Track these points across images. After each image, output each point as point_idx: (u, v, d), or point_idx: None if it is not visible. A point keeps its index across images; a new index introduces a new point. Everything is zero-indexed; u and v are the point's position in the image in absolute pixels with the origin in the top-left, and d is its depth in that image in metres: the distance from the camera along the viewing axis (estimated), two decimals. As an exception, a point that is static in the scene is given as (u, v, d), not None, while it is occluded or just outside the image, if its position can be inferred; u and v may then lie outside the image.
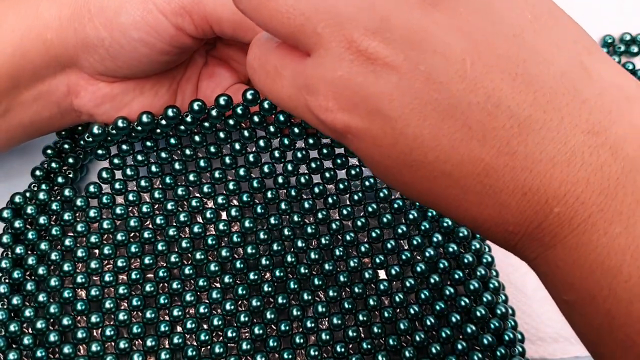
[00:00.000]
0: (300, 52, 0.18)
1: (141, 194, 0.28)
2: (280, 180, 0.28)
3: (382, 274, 0.28)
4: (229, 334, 0.26)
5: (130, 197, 0.28)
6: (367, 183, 0.28)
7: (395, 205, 0.28)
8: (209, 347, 0.26)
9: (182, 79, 0.28)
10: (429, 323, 0.26)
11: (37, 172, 0.28)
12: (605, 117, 0.16)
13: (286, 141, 0.27)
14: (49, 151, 0.29)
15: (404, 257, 0.27)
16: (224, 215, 0.28)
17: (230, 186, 0.28)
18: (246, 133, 0.27)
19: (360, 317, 0.26)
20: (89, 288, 0.26)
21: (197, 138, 0.27)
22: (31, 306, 0.26)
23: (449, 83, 0.16)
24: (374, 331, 0.26)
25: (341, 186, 0.28)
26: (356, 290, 0.27)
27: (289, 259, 0.27)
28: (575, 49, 0.17)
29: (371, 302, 0.27)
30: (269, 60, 0.18)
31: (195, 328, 0.26)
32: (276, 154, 0.27)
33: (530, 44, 0.16)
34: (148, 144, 0.28)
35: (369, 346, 0.26)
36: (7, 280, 0.26)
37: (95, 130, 0.26)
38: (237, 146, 0.28)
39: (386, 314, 0.26)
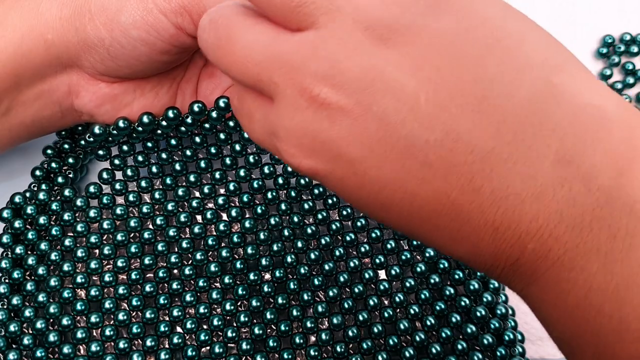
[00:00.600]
0: (267, 97, 0.17)
1: (141, 194, 0.28)
2: (280, 181, 0.28)
3: (382, 274, 0.28)
4: (229, 334, 0.26)
5: (131, 198, 0.28)
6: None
7: (395, 206, 0.28)
8: (208, 347, 0.26)
9: (183, 80, 0.28)
10: (429, 323, 0.26)
11: (37, 172, 0.28)
12: (577, 144, 0.15)
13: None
14: (49, 151, 0.29)
15: (403, 257, 0.27)
16: (224, 215, 0.28)
17: (231, 187, 0.28)
18: (246, 134, 0.27)
19: (361, 317, 0.26)
20: (89, 288, 0.26)
21: (197, 139, 0.27)
22: (31, 306, 0.26)
23: (403, 122, 0.15)
24: (374, 331, 0.26)
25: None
26: (356, 290, 0.27)
27: (289, 259, 0.27)
28: (543, 70, 0.16)
29: (371, 302, 0.27)
30: (245, 101, 0.18)
31: (195, 328, 0.26)
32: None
33: (491, 72, 0.15)
34: (149, 144, 0.28)
35: (369, 346, 0.26)
36: (7, 280, 0.26)
37: (97, 130, 0.26)
38: (237, 147, 0.28)
39: (386, 314, 0.26)
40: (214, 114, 0.26)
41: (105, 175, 0.28)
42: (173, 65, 0.26)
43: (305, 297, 0.27)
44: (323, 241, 0.27)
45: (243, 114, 0.19)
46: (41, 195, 0.27)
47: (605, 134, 0.15)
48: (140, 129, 0.26)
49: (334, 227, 0.28)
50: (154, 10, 0.23)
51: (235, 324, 0.26)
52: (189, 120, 0.26)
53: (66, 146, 0.29)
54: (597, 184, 0.15)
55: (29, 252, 0.27)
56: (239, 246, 0.27)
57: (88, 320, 0.26)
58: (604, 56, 0.35)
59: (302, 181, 0.28)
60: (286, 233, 0.27)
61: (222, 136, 0.27)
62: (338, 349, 0.26)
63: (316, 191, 0.28)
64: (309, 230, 0.27)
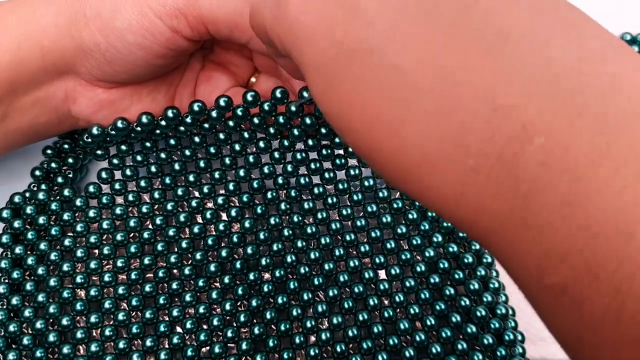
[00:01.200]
0: None
1: (141, 194, 0.28)
2: (280, 181, 0.28)
3: (382, 274, 0.28)
4: (229, 334, 0.26)
5: (130, 198, 0.28)
6: (366, 183, 0.28)
7: (395, 206, 0.28)
8: (208, 347, 0.26)
9: (180, 84, 0.28)
10: (429, 323, 0.26)
11: (37, 172, 0.28)
12: None
13: (286, 143, 0.27)
14: (48, 151, 0.29)
15: (403, 257, 0.27)
16: (224, 215, 0.28)
17: (230, 187, 0.28)
18: (246, 134, 0.27)
19: (361, 317, 0.26)
20: (89, 288, 0.26)
21: (196, 139, 0.27)
22: (30, 306, 0.26)
23: None
24: (374, 331, 0.26)
25: (341, 187, 0.28)
26: (356, 290, 0.27)
27: (289, 259, 0.27)
28: None
29: (371, 302, 0.26)
30: None
31: (194, 328, 0.26)
32: (276, 155, 0.27)
33: None
34: (147, 144, 0.28)
35: (369, 346, 0.26)
36: (6, 281, 0.26)
37: (95, 131, 0.26)
38: (237, 147, 0.28)
39: (386, 314, 0.26)
40: (214, 114, 0.26)
41: (104, 175, 0.28)
42: (169, 69, 0.26)
43: (305, 297, 0.27)
44: (323, 241, 0.27)
45: None
46: (41, 195, 0.27)
47: None
48: (139, 129, 0.26)
49: (334, 227, 0.28)
50: (149, 14, 0.23)
51: (235, 324, 0.26)
52: (188, 120, 0.26)
53: (66, 146, 0.29)
54: None
55: (29, 252, 0.27)
56: (239, 246, 0.27)
57: (88, 321, 0.26)
58: (604, 56, 0.35)
59: (302, 181, 0.28)
60: (286, 233, 0.27)
61: (221, 136, 0.27)
62: (338, 349, 0.26)
63: (316, 191, 0.28)
64: (309, 230, 0.27)
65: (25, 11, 0.24)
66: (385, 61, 0.14)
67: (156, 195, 0.28)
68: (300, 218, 0.28)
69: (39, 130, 0.26)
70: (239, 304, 0.27)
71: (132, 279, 0.26)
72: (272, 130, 0.27)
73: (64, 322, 0.25)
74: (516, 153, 0.13)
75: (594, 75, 0.13)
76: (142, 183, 0.28)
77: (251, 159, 0.27)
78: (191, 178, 0.28)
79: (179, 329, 0.26)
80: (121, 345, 0.25)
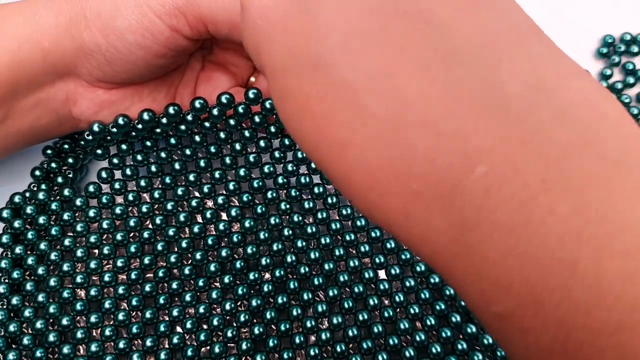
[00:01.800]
0: None
1: (141, 194, 0.28)
2: (280, 180, 0.28)
3: (382, 274, 0.28)
4: (229, 334, 0.26)
5: (130, 197, 0.27)
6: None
7: (396, 205, 0.28)
8: (208, 347, 0.26)
9: (180, 85, 0.28)
10: (429, 323, 0.26)
11: (37, 172, 0.28)
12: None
13: (287, 142, 0.27)
14: (48, 151, 0.29)
15: (403, 257, 0.27)
16: (224, 215, 0.28)
17: (231, 186, 0.28)
18: (247, 133, 0.27)
19: (361, 317, 0.26)
20: (89, 288, 0.26)
21: (197, 138, 0.27)
22: (31, 306, 0.26)
23: None
24: (374, 331, 0.26)
25: (341, 186, 0.28)
26: (356, 290, 0.27)
27: (289, 259, 0.27)
28: None
29: (371, 302, 0.26)
30: None
31: (194, 328, 0.26)
32: (276, 154, 0.27)
33: None
34: (148, 143, 0.28)
35: (370, 346, 0.26)
36: (6, 280, 0.26)
37: (96, 128, 0.26)
38: (237, 146, 0.28)
39: (386, 314, 0.26)
40: (215, 111, 0.26)
41: (104, 175, 0.28)
42: (170, 68, 0.26)
43: (306, 296, 0.27)
44: (323, 241, 0.27)
45: None
46: (41, 195, 0.27)
47: None
48: (140, 126, 0.26)
49: (334, 226, 0.28)
50: (149, 13, 0.23)
51: (235, 324, 0.26)
52: (189, 117, 0.26)
53: (66, 146, 0.29)
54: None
55: (29, 252, 0.27)
56: (239, 246, 0.27)
57: (88, 320, 0.26)
58: (604, 56, 0.35)
59: (303, 180, 0.28)
60: (286, 233, 0.27)
61: (222, 135, 0.27)
62: (338, 348, 0.26)
63: (316, 191, 0.28)
64: (309, 230, 0.27)
65: (25, 13, 0.24)
66: (336, 79, 0.13)
67: (156, 194, 0.28)
68: (300, 218, 0.28)
69: (40, 132, 0.26)
70: (239, 303, 0.27)
71: (132, 279, 0.26)
72: (273, 129, 0.27)
73: (64, 322, 0.25)
74: (459, 180, 0.12)
75: (543, 102, 0.13)
76: (142, 183, 0.28)
77: (251, 158, 0.27)
78: (191, 177, 0.28)
79: (179, 329, 0.26)
80: (121, 345, 0.25)
